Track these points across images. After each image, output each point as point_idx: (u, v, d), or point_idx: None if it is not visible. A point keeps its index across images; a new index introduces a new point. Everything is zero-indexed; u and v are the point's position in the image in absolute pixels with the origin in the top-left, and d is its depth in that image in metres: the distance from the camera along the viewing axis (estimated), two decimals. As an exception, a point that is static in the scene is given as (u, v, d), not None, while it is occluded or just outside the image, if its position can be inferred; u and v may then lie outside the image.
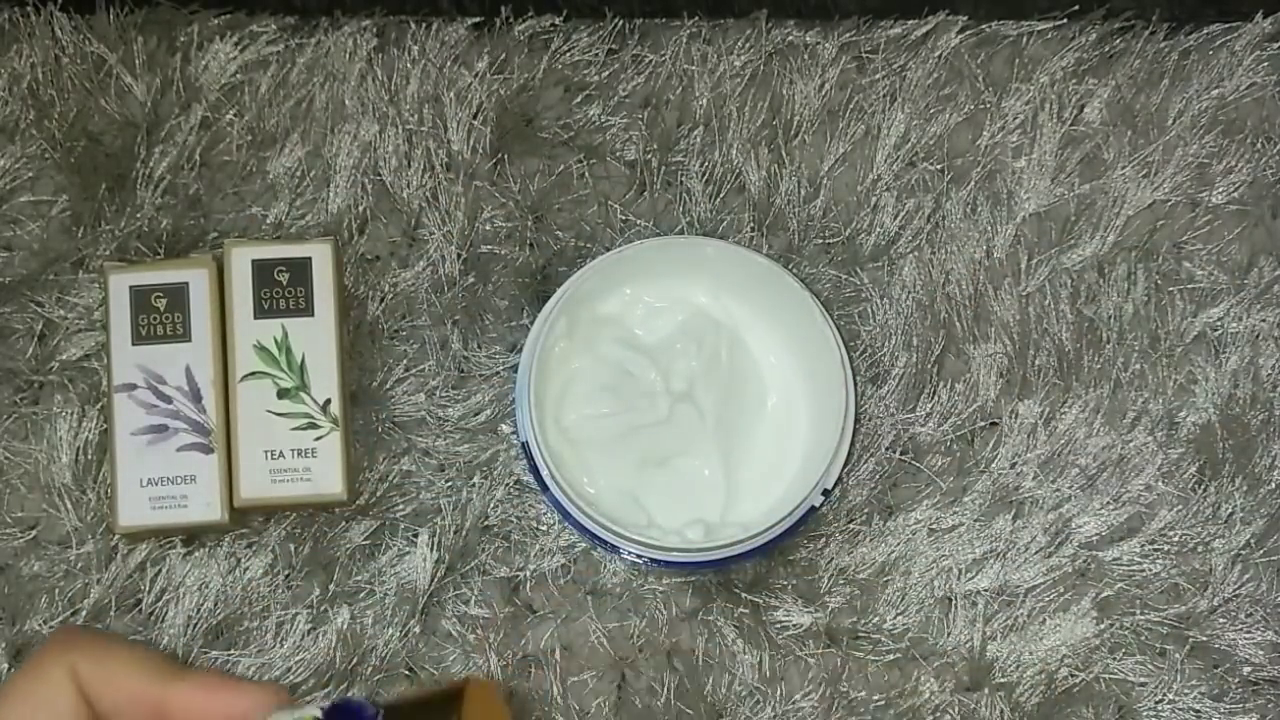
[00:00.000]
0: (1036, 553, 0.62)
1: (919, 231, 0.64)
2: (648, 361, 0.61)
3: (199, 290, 0.59)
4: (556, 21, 0.64)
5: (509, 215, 0.63)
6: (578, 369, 0.61)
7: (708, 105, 0.64)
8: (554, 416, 0.60)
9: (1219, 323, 0.64)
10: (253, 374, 0.58)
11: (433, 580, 0.61)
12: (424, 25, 0.64)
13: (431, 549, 0.61)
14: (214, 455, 0.58)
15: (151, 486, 0.58)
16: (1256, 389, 0.63)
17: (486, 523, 0.62)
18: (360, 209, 0.63)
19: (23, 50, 0.63)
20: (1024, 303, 0.63)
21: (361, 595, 0.61)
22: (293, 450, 0.58)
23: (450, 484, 0.62)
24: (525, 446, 0.58)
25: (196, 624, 0.60)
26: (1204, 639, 0.62)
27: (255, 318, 0.59)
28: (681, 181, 0.64)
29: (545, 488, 0.58)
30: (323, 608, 0.61)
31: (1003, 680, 0.61)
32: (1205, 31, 0.65)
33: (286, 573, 0.61)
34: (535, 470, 0.58)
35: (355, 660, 0.60)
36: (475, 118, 0.63)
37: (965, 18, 0.65)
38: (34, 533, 0.61)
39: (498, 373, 0.62)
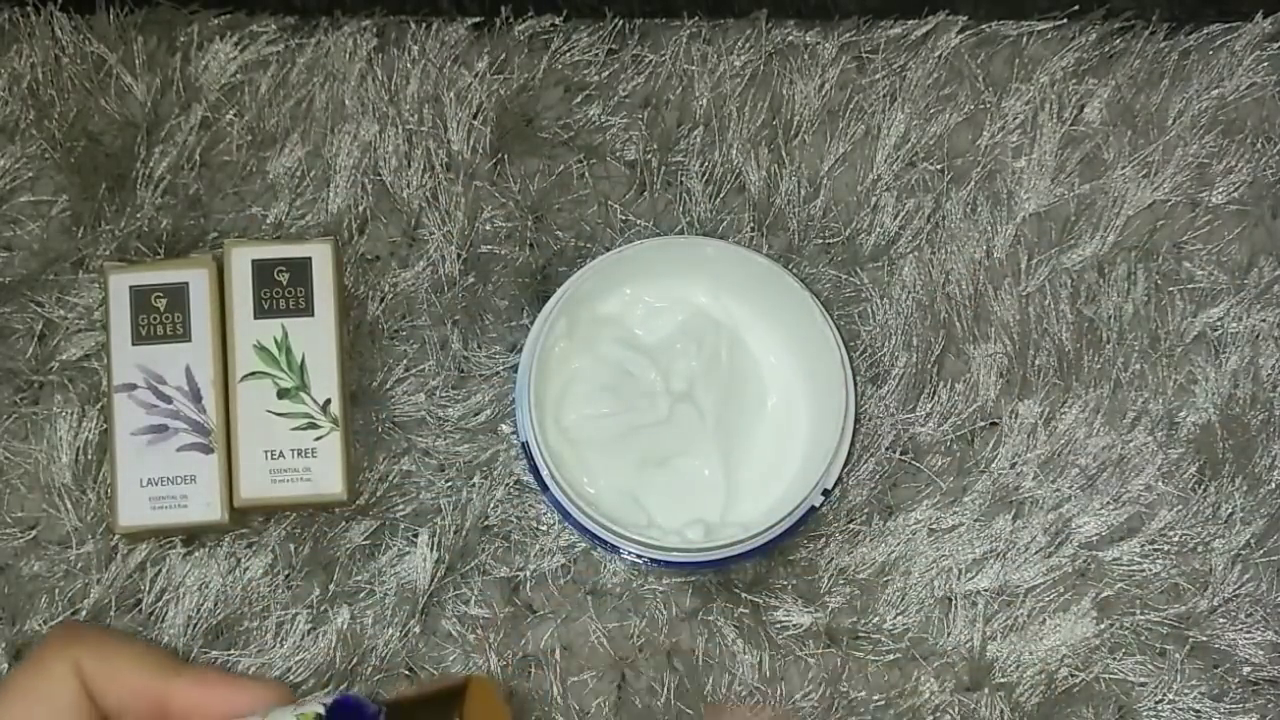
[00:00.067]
0: (1036, 553, 0.62)
1: (919, 231, 0.64)
2: (648, 361, 0.61)
3: (199, 290, 0.59)
4: (556, 21, 0.64)
5: (509, 215, 0.63)
6: (578, 369, 0.61)
7: (708, 105, 0.64)
8: (554, 416, 0.60)
9: (1219, 323, 0.64)
10: (253, 374, 0.58)
11: (433, 580, 0.61)
12: (424, 25, 0.64)
13: (431, 549, 0.61)
14: (214, 455, 0.58)
15: (151, 486, 0.58)
16: (1256, 389, 0.63)
17: (486, 523, 0.62)
18: (360, 209, 0.63)
19: (23, 50, 0.63)
20: (1024, 303, 0.63)
21: (361, 595, 0.61)
22: (293, 450, 0.58)
23: (450, 484, 0.62)
24: (525, 446, 0.58)
25: (196, 624, 0.60)
26: (1204, 639, 0.62)
27: (255, 318, 0.59)
28: (681, 181, 0.64)
29: (545, 488, 0.58)
30: (323, 608, 0.61)
31: (1003, 680, 0.61)
32: (1205, 31, 0.65)
33: (286, 573, 0.61)
34: (535, 470, 0.58)
35: (355, 660, 0.60)
36: (475, 118, 0.63)
37: (965, 18, 0.65)
38: (34, 533, 0.61)
39: (498, 373, 0.62)
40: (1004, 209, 0.64)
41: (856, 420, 0.61)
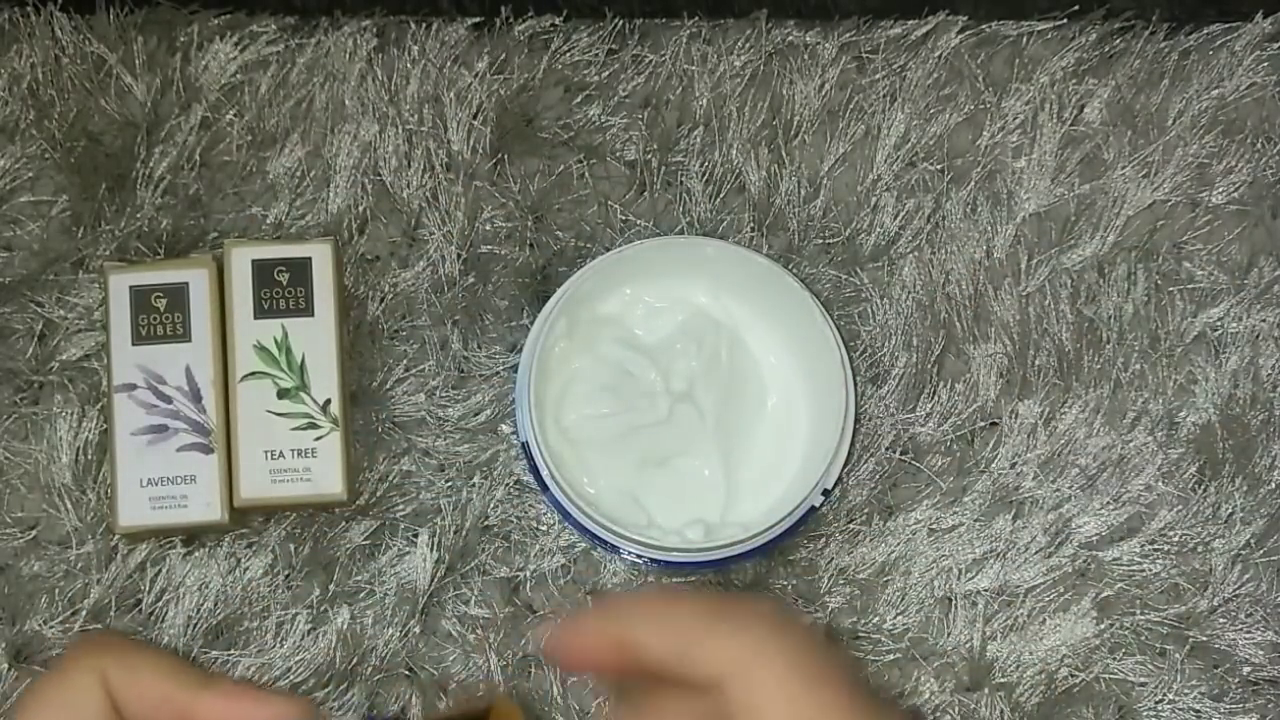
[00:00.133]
0: (1036, 553, 0.62)
1: (919, 231, 0.64)
2: (648, 361, 0.61)
3: (199, 290, 0.59)
4: (556, 21, 0.64)
5: (509, 215, 0.63)
6: (578, 369, 0.61)
7: (708, 105, 0.64)
8: (554, 416, 0.60)
9: (1219, 323, 0.64)
10: (253, 374, 0.58)
11: (433, 580, 0.61)
12: (424, 25, 0.64)
13: (431, 549, 0.61)
14: (214, 455, 0.58)
15: (151, 486, 0.58)
16: (1256, 389, 0.63)
17: (486, 523, 0.62)
18: (360, 209, 0.63)
19: (23, 50, 0.63)
20: (1024, 303, 0.63)
21: (361, 595, 0.61)
22: (293, 450, 0.58)
23: (450, 484, 0.62)
24: (525, 446, 0.58)
25: (196, 624, 0.60)
26: (1204, 639, 0.62)
27: (255, 318, 0.59)
28: (681, 181, 0.64)
29: (545, 488, 0.58)
30: (323, 608, 0.61)
31: (1003, 680, 0.61)
32: (1205, 31, 0.65)
33: (286, 573, 0.61)
34: (535, 470, 0.58)
35: (355, 660, 0.60)
36: (475, 118, 0.64)
37: (965, 18, 0.65)
38: (34, 533, 0.61)
39: (498, 373, 0.62)
40: (1004, 209, 0.64)
41: (856, 420, 0.61)
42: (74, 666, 0.38)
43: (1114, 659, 0.62)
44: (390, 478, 0.62)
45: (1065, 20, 0.65)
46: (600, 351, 0.61)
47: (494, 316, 0.63)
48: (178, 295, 0.58)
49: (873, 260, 0.64)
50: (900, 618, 0.62)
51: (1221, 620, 0.62)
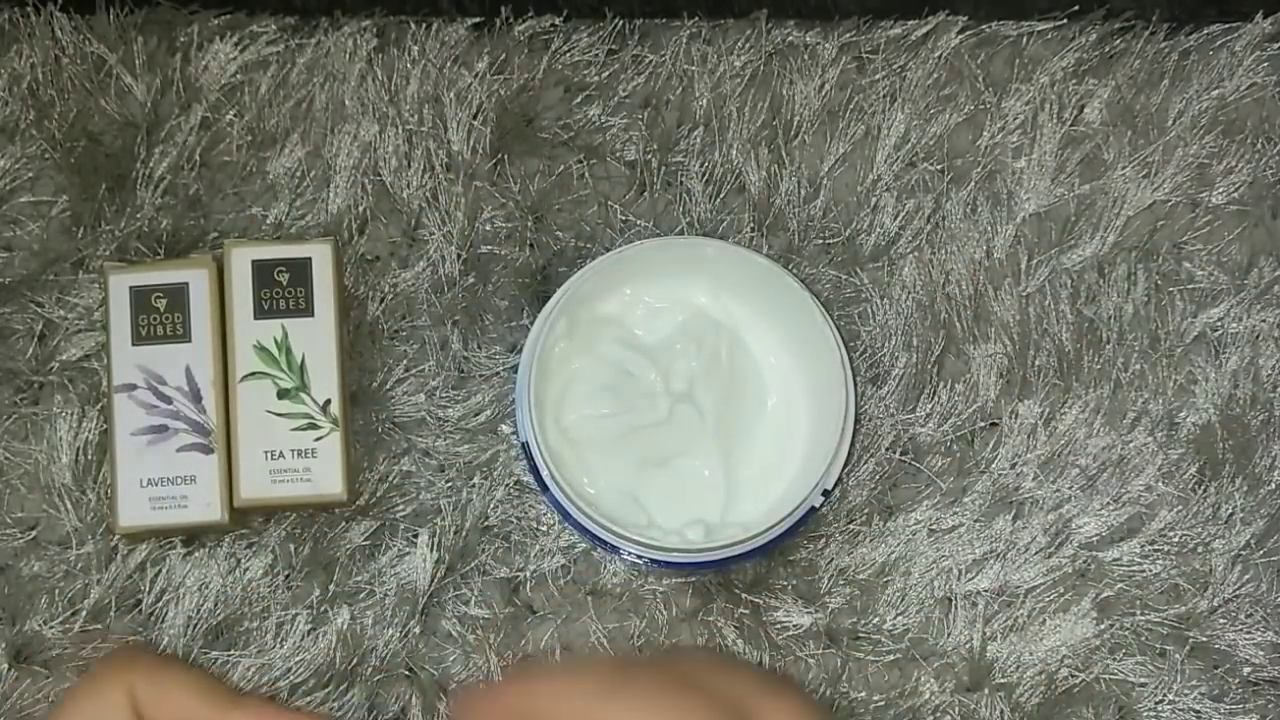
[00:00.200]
0: (1036, 553, 0.62)
1: (919, 232, 0.64)
2: (648, 362, 0.61)
3: (199, 290, 0.59)
4: (556, 21, 0.64)
5: (509, 215, 0.63)
6: (578, 369, 0.61)
7: (708, 105, 0.64)
8: (554, 417, 0.60)
9: (1219, 323, 0.64)
10: (253, 374, 0.58)
11: (433, 580, 0.61)
12: (424, 25, 0.64)
13: (431, 549, 0.61)
14: (214, 455, 0.58)
15: (151, 487, 0.58)
16: (1256, 389, 0.63)
17: (486, 523, 0.62)
18: (360, 209, 0.63)
19: (23, 50, 0.63)
20: (1024, 303, 0.63)
21: (361, 595, 0.61)
22: (293, 450, 0.58)
23: (450, 484, 0.62)
24: (525, 447, 0.58)
25: (196, 624, 0.60)
26: (1204, 639, 0.62)
27: (255, 318, 0.59)
28: (681, 181, 0.64)
29: (545, 488, 0.58)
30: (323, 608, 0.61)
31: (1003, 681, 0.61)
32: (1205, 31, 0.65)
33: (286, 573, 0.61)
34: (535, 470, 0.58)
35: (355, 660, 0.60)
36: (475, 118, 0.63)
37: (965, 18, 0.65)
38: (34, 533, 0.61)
39: (498, 373, 0.62)
40: (1004, 209, 0.64)
41: (856, 420, 0.61)
42: (103, 681, 0.38)
43: (1114, 659, 0.62)
44: (390, 478, 0.62)
45: (1065, 20, 0.65)
46: (600, 352, 0.61)
47: (494, 317, 0.63)
48: (178, 295, 0.58)
49: (873, 260, 0.64)
50: (900, 618, 0.62)
51: (1222, 621, 0.62)
